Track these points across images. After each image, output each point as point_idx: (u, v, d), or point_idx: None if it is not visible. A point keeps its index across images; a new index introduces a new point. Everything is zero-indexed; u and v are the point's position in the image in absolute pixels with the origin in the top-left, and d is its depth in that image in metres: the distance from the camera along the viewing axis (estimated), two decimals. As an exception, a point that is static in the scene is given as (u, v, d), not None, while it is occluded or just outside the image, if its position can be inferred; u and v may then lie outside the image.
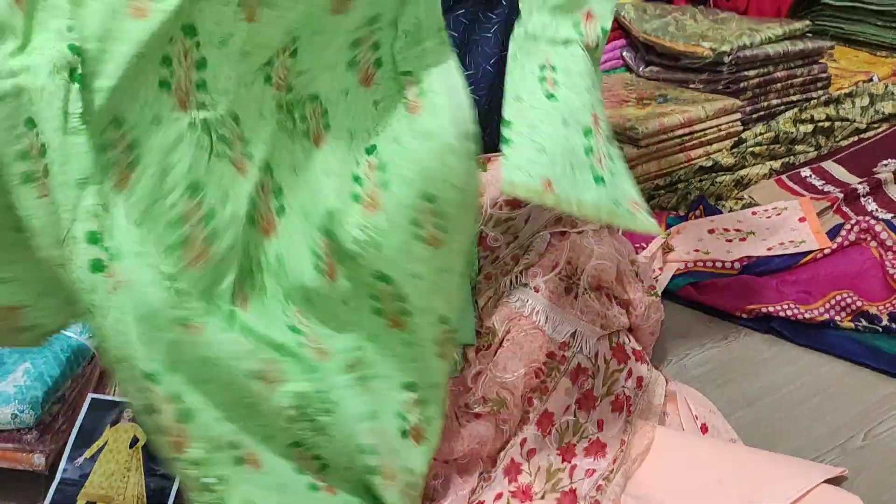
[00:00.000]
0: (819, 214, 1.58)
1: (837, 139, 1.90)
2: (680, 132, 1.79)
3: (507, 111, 0.82)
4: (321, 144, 0.83)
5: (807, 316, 1.31)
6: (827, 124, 1.91)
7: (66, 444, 1.11)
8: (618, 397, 1.07)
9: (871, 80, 2.10)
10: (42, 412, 1.08)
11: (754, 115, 1.94)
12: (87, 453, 1.10)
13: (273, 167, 0.84)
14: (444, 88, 0.78)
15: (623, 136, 1.74)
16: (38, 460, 1.08)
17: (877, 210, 1.61)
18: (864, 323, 1.30)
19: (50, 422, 1.11)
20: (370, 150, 0.81)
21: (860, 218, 1.52)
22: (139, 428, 1.13)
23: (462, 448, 0.99)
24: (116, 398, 1.19)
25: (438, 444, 0.90)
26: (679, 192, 1.74)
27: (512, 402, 1.01)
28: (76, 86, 0.69)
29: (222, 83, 0.78)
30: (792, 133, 1.87)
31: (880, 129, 1.91)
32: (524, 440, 1.03)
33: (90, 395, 1.16)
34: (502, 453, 1.03)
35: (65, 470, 1.08)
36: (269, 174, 0.84)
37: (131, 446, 1.11)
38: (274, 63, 0.81)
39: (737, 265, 1.47)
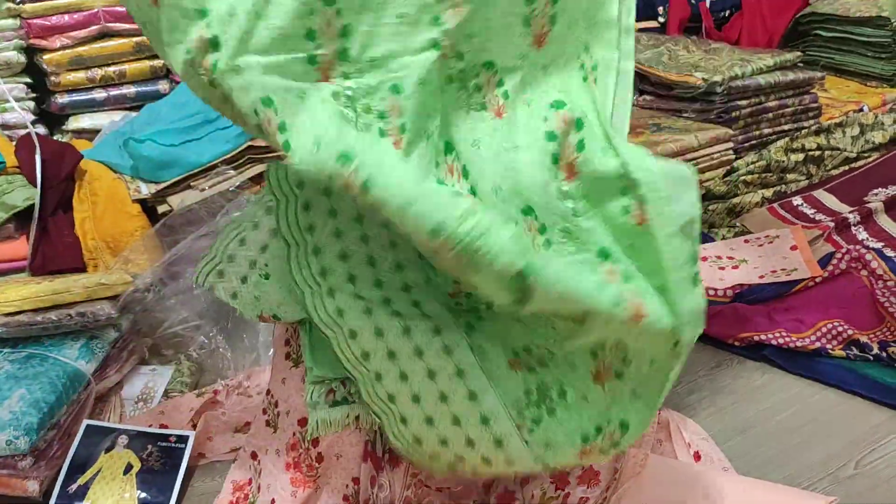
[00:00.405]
0: (810, 243, 1.59)
1: (828, 168, 1.93)
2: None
3: None
4: (503, 115, 0.78)
5: (798, 344, 1.32)
6: (818, 153, 1.93)
7: (60, 470, 1.11)
8: (611, 425, 1.07)
9: (861, 110, 2.13)
10: (37, 438, 1.08)
11: (746, 144, 1.97)
12: (81, 480, 1.10)
13: (454, 144, 0.77)
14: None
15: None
16: (32, 487, 1.08)
17: (867, 239, 1.63)
18: (856, 351, 1.31)
19: (44, 448, 1.11)
20: (558, 105, 0.76)
21: (851, 247, 1.54)
22: (133, 454, 1.13)
23: (456, 477, 0.99)
24: (111, 424, 1.20)
25: None
26: (672, 220, 1.75)
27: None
28: None
29: (371, 52, 0.71)
30: (783, 162, 1.90)
31: (870, 159, 1.93)
32: (517, 468, 1.03)
33: (85, 422, 1.16)
34: (495, 481, 1.03)
35: (59, 497, 1.08)
36: (450, 152, 0.77)
37: (125, 473, 1.11)
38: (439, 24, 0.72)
39: (729, 293, 1.49)
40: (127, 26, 2.10)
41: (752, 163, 1.90)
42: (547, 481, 1.02)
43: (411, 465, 0.98)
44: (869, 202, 1.73)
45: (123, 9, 2.09)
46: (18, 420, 1.07)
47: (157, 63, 2.15)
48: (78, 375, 1.19)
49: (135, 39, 2.10)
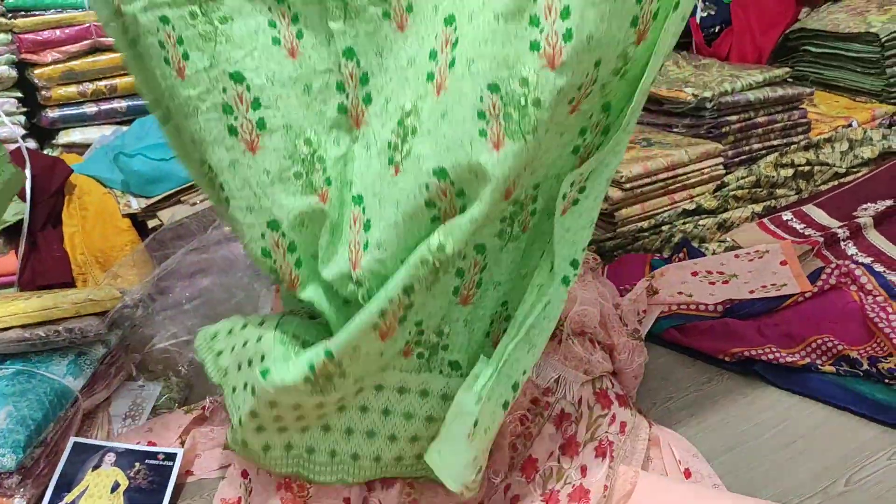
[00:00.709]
0: (800, 258, 1.59)
1: (817, 183, 1.93)
2: (663, 175, 1.82)
3: None
4: None
5: (788, 360, 1.33)
6: (807, 168, 1.94)
7: (46, 488, 1.10)
8: (601, 443, 1.07)
9: (850, 125, 2.14)
10: (23, 456, 1.07)
11: (736, 160, 1.98)
12: (68, 498, 1.09)
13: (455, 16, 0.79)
14: None
15: (608, 179, 1.76)
16: (19, 505, 1.07)
17: (857, 254, 1.63)
18: (846, 367, 1.31)
19: (31, 466, 1.10)
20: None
21: (840, 262, 1.54)
22: (120, 472, 1.12)
23: (449, 499, 0.98)
24: (99, 442, 1.19)
25: None
26: (663, 235, 1.76)
27: (497, 450, 1.01)
28: None
29: None
30: (773, 177, 1.90)
31: (860, 174, 1.94)
32: (508, 486, 1.03)
33: (72, 439, 1.15)
34: (486, 500, 1.02)
35: (45, 515, 1.07)
36: (449, 24, 0.80)
37: (112, 491, 1.10)
38: None
39: (719, 308, 1.49)
40: (118, 40, 2.09)
41: (742, 178, 1.91)
42: (538, 499, 1.02)
43: (404, 486, 0.97)
44: (858, 217, 1.74)
45: (115, 23, 2.09)
46: (5, 437, 1.06)
47: (149, 77, 2.15)
48: (65, 392, 1.18)
49: (126, 54, 2.10)
